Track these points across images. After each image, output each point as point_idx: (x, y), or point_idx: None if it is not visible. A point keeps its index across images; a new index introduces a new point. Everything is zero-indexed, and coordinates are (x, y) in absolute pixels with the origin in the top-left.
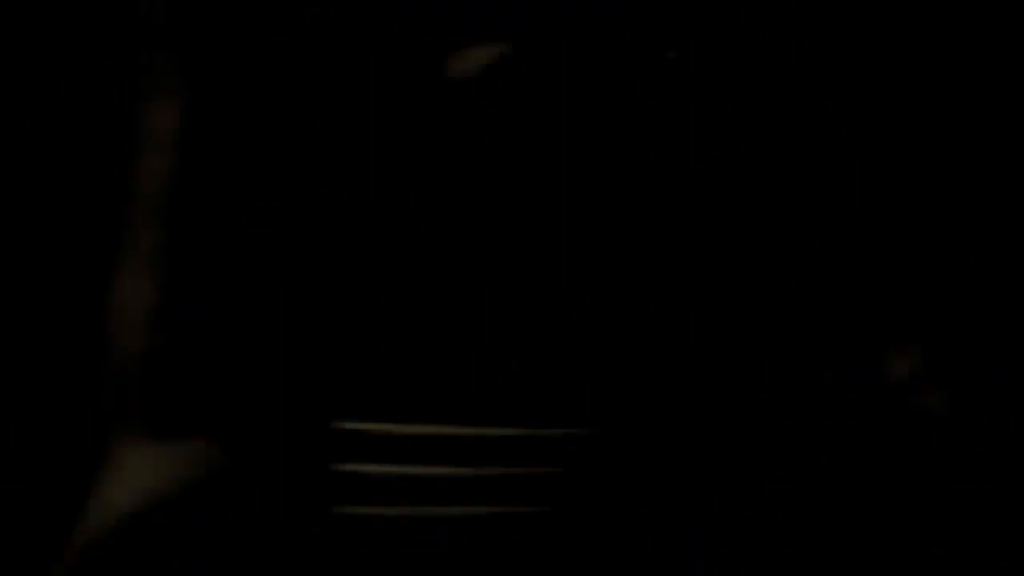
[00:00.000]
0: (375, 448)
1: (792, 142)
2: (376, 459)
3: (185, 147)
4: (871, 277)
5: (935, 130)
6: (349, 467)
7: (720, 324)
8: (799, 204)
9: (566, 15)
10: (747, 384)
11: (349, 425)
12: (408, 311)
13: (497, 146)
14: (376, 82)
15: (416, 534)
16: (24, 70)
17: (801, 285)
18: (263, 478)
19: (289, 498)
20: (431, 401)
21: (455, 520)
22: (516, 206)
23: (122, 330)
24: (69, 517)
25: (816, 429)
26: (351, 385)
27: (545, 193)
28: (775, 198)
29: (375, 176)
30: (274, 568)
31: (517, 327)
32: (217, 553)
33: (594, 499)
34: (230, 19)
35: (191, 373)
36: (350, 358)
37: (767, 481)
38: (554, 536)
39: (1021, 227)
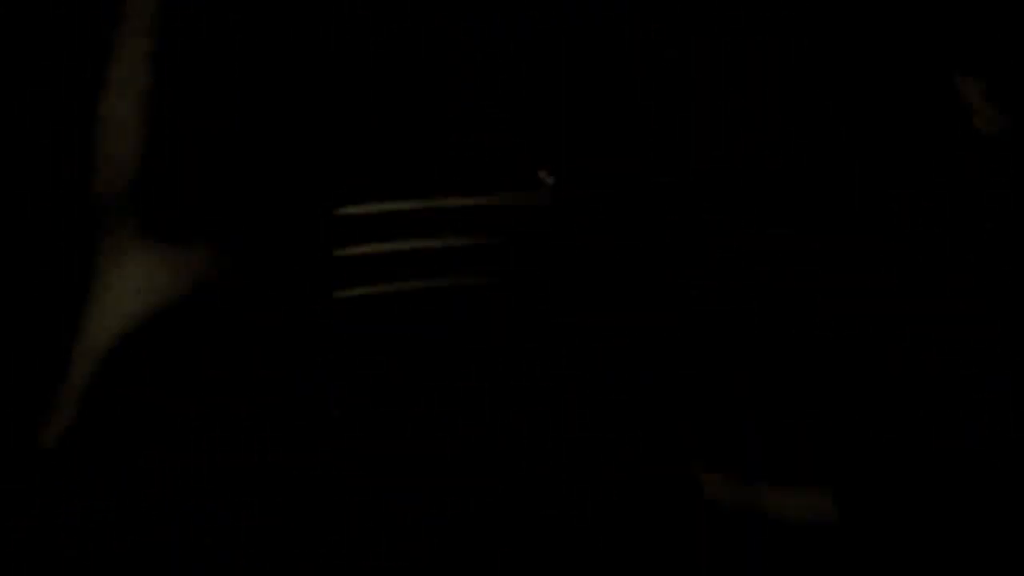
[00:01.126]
0: (371, 229)
1: (792, 142)
2: (373, 239)
3: None
4: (870, 277)
5: (934, 130)
6: (349, 251)
7: (720, 325)
8: (799, 204)
9: (566, 15)
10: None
11: (350, 210)
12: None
13: (497, 147)
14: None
15: (418, 308)
16: None
17: (801, 285)
18: (264, 271)
19: (291, 287)
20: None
21: (458, 291)
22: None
23: (114, 135)
24: (69, 325)
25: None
26: (346, 170)
27: (545, 192)
28: (775, 198)
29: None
30: (277, 358)
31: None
32: (222, 349)
33: (584, 266)
34: None
35: (185, 173)
36: (345, 144)
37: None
38: (549, 303)
39: (1020, 227)
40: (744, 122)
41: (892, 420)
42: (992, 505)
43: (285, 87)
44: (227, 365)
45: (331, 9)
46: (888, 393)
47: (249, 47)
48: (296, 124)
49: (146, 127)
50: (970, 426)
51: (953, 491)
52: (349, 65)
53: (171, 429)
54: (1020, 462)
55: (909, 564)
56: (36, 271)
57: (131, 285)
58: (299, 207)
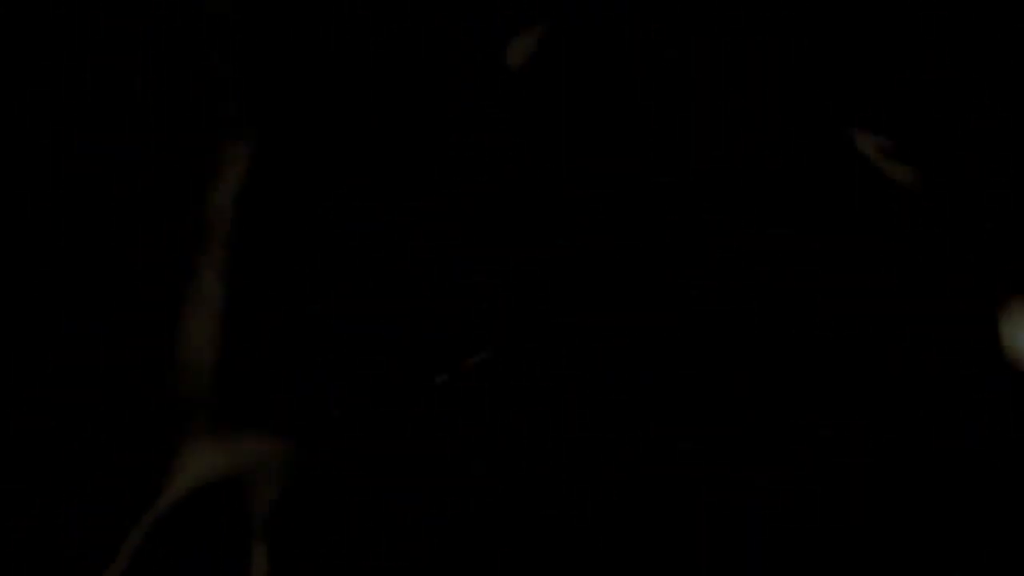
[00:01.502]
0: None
1: (792, 142)
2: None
3: (254, 172)
4: (870, 277)
5: (934, 133)
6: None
7: (718, 324)
8: (799, 204)
9: (567, 14)
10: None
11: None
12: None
13: (497, 146)
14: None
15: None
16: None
17: (801, 285)
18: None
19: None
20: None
21: None
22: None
23: (195, 333)
24: (137, 511)
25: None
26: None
27: (545, 192)
28: (775, 198)
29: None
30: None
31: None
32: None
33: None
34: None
35: (259, 377)
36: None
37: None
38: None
39: (1020, 226)
40: (744, 122)
41: (891, 420)
42: (992, 505)
43: (353, 297)
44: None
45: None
46: (888, 393)
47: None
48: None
49: (228, 329)
50: (970, 426)
51: (953, 491)
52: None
53: None
54: (1020, 462)
55: (909, 564)
56: (111, 456)
57: (197, 476)
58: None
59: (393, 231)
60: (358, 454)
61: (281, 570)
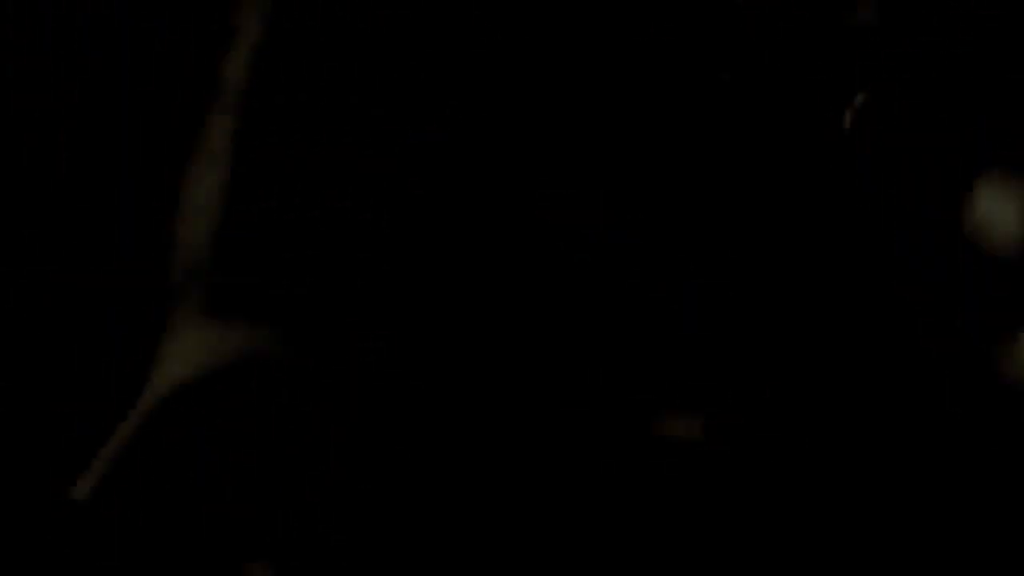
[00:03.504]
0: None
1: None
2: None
3: (264, 48)
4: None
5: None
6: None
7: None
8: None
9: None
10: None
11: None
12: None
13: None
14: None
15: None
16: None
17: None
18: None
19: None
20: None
21: None
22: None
23: (193, 214)
24: (131, 387)
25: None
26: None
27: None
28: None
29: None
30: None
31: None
32: (262, 433)
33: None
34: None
35: (257, 260)
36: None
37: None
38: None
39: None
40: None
41: (891, 418)
42: (992, 505)
43: (360, 184)
44: (257, 434)
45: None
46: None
47: (329, 135)
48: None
49: (221, 215)
50: (970, 426)
51: (952, 490)
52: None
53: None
54: (1020, 462)
55: (909, 564)
56: (106, 334)
57: (187, 358)
58: (368, 314)
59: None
60: (349, 349)
61: (271, 464)
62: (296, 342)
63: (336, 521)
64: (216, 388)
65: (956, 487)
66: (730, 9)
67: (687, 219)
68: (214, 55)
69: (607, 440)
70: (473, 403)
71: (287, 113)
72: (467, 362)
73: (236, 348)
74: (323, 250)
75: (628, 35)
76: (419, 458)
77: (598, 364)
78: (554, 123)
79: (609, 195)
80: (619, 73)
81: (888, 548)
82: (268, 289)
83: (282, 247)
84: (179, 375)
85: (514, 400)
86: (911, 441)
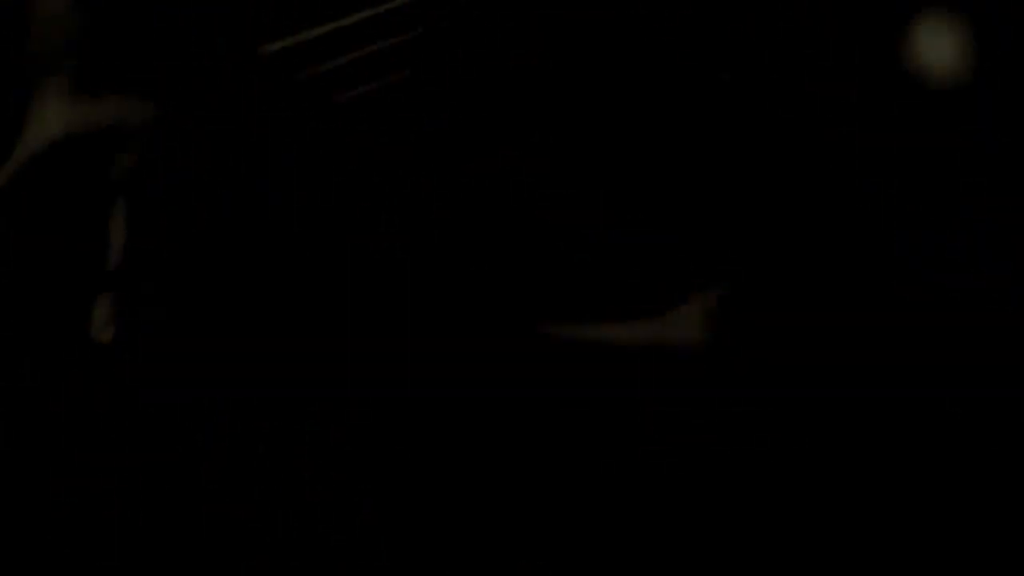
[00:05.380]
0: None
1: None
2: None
3: None
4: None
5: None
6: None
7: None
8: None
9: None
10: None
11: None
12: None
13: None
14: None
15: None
16: None
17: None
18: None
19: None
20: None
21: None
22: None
23: None
24: None
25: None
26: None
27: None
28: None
29: None
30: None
31: None
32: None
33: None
34: None
35: (117, 30)
36: None
37: None
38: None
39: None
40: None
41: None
42: (992, 505)
43: None
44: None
45: None
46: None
47: None
48: None
49: None
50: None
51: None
52: None
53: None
54: (1020, 462)
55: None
56: None
57: (50, 135)
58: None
59: None
60: (217, 120)
61: (138, 233)
62: (163, 112)
63: (335, 520)
64: (81, 159)
65: (954, 481)
66: (730, 9)
67: (687, 219)
68: None
69: (607, 441)
70: (473, 402)
71: None
72: (465, 355)
73: (103, 122)
74: (187, 22)
75: (628, 35)
76: (419, 458)
77: (599, 363)
78: (554, 123)
79: (609, 195)
80: (619, 73)
81: (889, 548)
82: (134, 62)
83: (147, 17)
84: (49, 136)
85: (512, 385)
86: (911, 440)
